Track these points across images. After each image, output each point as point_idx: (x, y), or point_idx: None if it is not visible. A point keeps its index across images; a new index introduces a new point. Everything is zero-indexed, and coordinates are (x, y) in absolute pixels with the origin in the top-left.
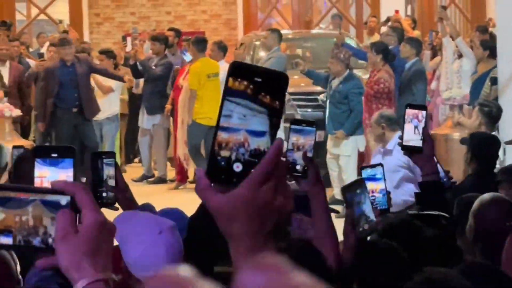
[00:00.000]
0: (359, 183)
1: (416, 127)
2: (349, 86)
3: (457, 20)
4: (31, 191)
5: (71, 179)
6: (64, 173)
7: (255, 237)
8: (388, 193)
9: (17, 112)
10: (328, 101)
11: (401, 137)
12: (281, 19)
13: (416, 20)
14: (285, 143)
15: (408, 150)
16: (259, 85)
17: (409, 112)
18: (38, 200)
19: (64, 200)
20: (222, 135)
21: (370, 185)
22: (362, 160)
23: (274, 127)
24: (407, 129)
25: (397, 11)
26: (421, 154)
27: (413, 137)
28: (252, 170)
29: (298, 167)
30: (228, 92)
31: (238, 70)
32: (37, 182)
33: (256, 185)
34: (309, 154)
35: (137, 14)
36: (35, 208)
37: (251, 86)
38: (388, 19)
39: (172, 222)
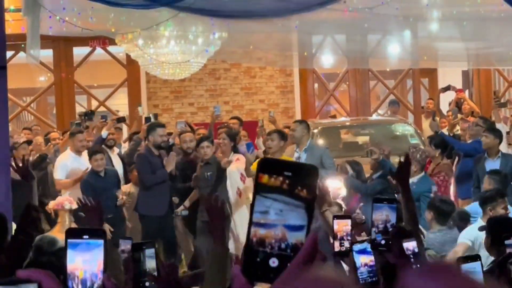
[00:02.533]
0: None
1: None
2: (423, 188)
3: None
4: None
5: (101, 259)
6: (94, 255)
7: None
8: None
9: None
10: None
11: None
12: (338, 106)
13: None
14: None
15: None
16: (292, 179)
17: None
18: None
19: (31, 287)
20: (259, 231)
21: (362, 258)
22: None
23: (310, 219)
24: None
25: (460, 90)
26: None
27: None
28: (288, 264)
29: (382, 242)
30: (262, 188)
31: (267, 166)
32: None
33: (292, 279)
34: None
35: (196, 105)
36: None
37: (286, 181)
38: (446, 88)
39: None
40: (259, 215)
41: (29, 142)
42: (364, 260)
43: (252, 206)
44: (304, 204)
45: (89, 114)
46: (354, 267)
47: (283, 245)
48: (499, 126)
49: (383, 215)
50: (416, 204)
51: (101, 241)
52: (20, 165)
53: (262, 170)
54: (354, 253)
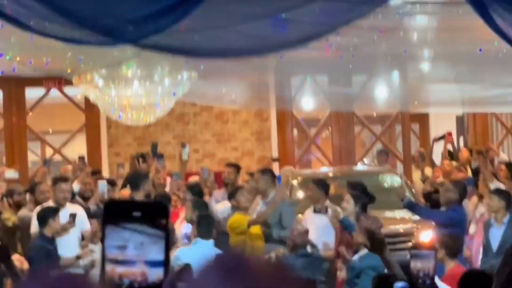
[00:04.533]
0: None
1: None
2: (368, 262)
3: None
4: None
5: None
6: None
7: None
8: None
9: None
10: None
11: None
12: (320, 155)
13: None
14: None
15: None
16: (143, 219)
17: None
18: None
19: None
20: (117, 269)
21: None
22: None
23: (167, 255)
24: None
25: (449, 134)
26: None
27: None
28: None
29: None
30: (119, 218)
31: (114, 208)
32: None
33: None
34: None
35: (162, 152)
36: None
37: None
38: (440, 138)
39: None
40: (116, 250)
41: None
42: None
43: (103, 239)
44: (164, 234)
45: (144, 156)
46: None
47: (143, 284)
48: (491, 185)
49: (420, 264)
50: (357, 281)
51: None
52: None
53: (109, 215)
54: None
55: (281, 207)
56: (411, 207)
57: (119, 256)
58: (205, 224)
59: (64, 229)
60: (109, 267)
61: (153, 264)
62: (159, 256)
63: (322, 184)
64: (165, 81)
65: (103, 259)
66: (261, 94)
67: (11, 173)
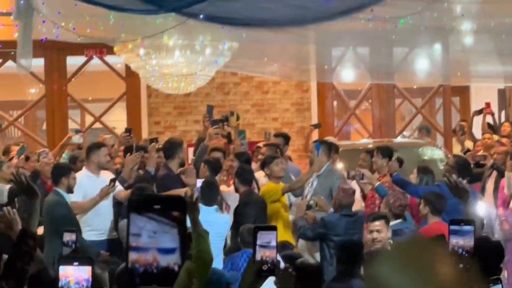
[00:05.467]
0: None
1: None
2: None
3: None
4: None
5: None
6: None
7: None
8: None
9: None
10: None
11: None
12: (360, 126)
13: None
14: None
15: None
16: (162, 210)
17: None
18: None
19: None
20: (132, 256)
21: None
22: None
23: (184, 244)
24: None
25: (488, 105)
26: None
27: None
28: None
29: None
30: (136, 207)
31: (138, 200)
32: None
33: None
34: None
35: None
36: None
37: (158, 210)
38: (480, 111)
39: None
40: (132, 237)
41: (26, 158)
42: None
43: (128, 226)
44: (176, 224)
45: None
46: None
47: (155, 269)
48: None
49: (460, 240)
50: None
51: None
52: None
53: (133, 206)
54: None
55: (331, 182)
56: (400, 182)
57: (133, 243)
58: (207, 191)
59: (107, 194)
60: (128, 254)
61: (165, 251)
62: (171, 244)
63: (386, 151)
64: (206, 50)
65: (127, 246)
66: (301, 65)
67: (77, 139)
